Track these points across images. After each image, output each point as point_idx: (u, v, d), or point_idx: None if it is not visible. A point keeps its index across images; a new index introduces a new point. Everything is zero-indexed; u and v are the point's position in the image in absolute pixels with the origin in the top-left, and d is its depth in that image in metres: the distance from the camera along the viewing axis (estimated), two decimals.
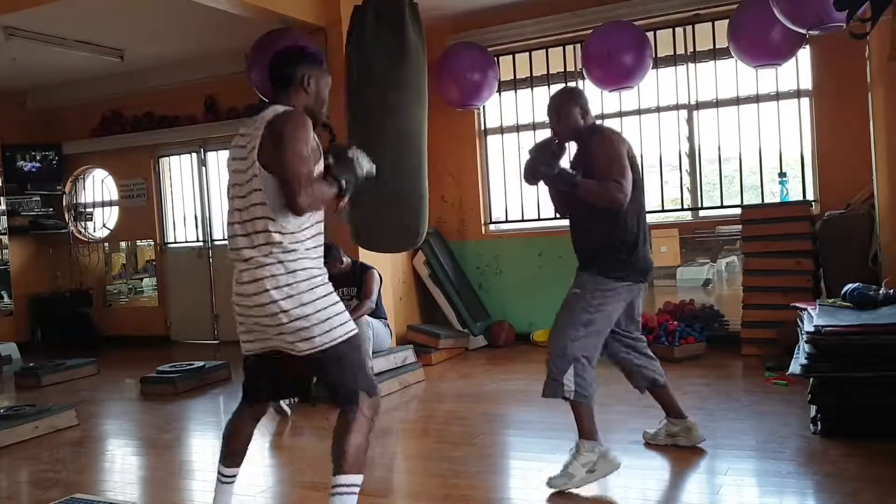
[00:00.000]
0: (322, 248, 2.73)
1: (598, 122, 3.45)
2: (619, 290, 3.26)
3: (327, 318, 2.59)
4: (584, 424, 3.24)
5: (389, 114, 3.47)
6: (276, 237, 2.54)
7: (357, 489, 2.59)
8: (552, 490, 3.14)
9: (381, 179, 3.00)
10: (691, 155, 6.39)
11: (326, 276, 2.70)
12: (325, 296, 2.62)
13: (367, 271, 5.16)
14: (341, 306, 2.68)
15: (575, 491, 3.19)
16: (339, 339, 2.60)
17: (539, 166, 3.21)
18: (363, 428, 2.64)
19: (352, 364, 2.66)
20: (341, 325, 2.62)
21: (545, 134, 6.97)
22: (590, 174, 3.19)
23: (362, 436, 2.62)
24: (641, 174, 3.33)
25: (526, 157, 3.30)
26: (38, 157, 8.61)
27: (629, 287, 3.29)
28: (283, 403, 4.58)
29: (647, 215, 6.48)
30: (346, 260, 5.19)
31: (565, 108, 3.33)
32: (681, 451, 3.60)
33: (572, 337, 3.20)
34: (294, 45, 3.11)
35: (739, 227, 5.81)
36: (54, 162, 8.69)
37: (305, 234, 2.62)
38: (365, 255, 5.41)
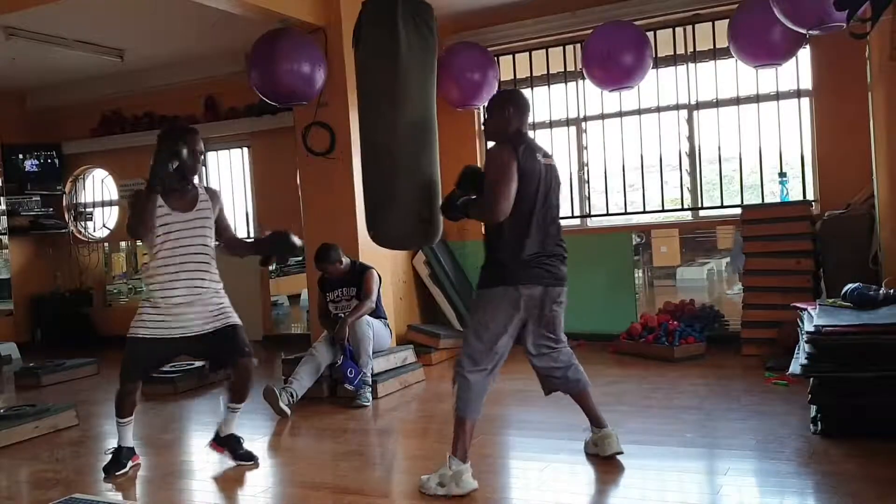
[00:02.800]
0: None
1: (523, 132, 3.41)
2: (495, 295, 3.27)
3: None
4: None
5: (394, 114, 3.48)
6: None
7: None
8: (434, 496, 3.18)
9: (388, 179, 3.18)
10: (691, 155, 6.39)
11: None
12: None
13: (367, 271, 5.16)
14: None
15: (573, 490, 3.20)
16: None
17: (450, 214, 3.49)
18: None
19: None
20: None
21: (545, 133, 7.01)
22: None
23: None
24: (540, 186, 3.27)
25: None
26: (38, 157, 8.61)
27: (504, 291, 3.25)
28: (283, 404, 4.58)
29: (647, 215, 6.47)
30: (346, 261, 5.19)
31: (499, 108, 3.43)
32: (681, 451, 3.60)
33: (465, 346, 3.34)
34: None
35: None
36: (54, 162, 8.69)
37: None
38: (365, 255, 5.42)
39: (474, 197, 3.39)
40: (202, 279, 3.65)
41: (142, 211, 3.46)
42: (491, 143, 3.54)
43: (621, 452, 3.49)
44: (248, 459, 3.81)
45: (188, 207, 3.65)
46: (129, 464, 3.80)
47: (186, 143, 3.58)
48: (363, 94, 3.59)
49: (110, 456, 3.80)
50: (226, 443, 3.86)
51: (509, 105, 3.40)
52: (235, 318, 3.76)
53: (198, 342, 3.69)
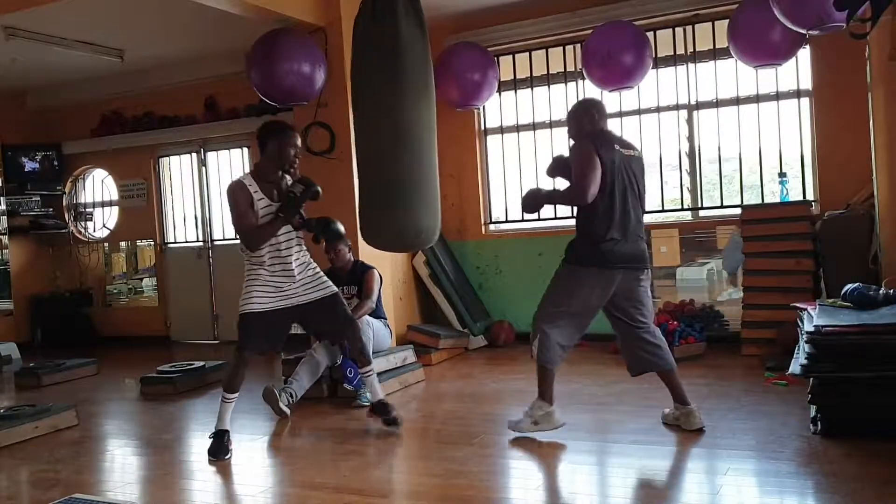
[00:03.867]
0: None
1: (603, 129, 3.88)
2: (585, 274, 3.74)
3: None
4: (540, 386, 3.84)
5: (385, 112, 3.46)
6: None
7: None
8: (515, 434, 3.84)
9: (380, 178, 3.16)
10: (691, 155, 6.39)
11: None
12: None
13: (368, 271, 5.17)
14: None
15: (573, 490, 3.20)
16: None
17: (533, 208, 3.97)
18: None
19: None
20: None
21: (545, 134, 7.02)
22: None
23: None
24: (616, 177, 3.69)
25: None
26: (38, 157, 8.61)
27: (597, 272, 3.71)
28: (283, 405, 4.58)
29: (647, 215, 6.57)
30: (349, 257, 5.21)
31: (575, 113, 3.93)
32: (681, 450, 3.60)
33: (543, 313, 3.85)
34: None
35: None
36: (54, 162, 8.69)
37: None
38: (365, 255, 5.41)
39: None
40: (298, 255, 4.10)
41: (270, 234, 3.93)
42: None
43: (703, 428, 3.77)
44: (394, 424, 4.17)
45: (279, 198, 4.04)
46: (232, 447, 3.99)
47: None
48: (360, 94, 3.59)
49: (212, 440, 3.98)
50: (376, 409, 4.24)
51: (590, 109, 3.89)
52: (333, 287, 4.20)
53: (303, 312, 4.10)
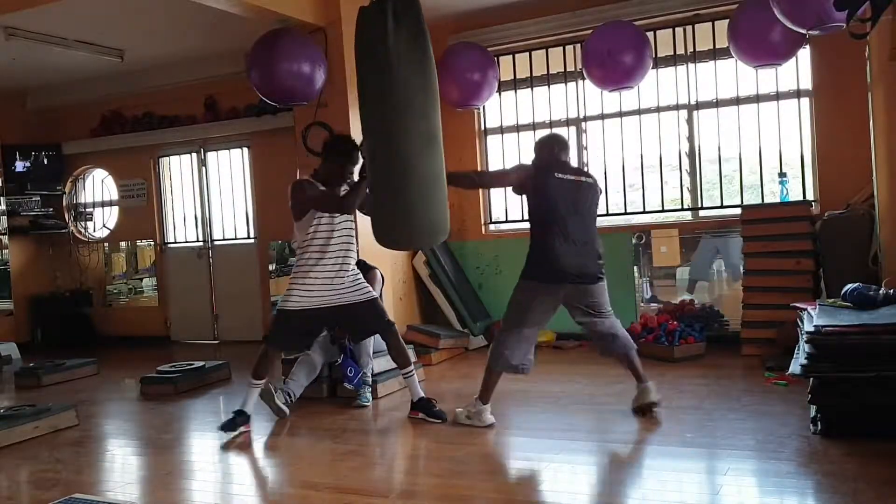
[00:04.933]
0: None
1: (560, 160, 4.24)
2: (532, 287, 4.10)
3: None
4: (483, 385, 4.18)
5: (385, 126, 3.48)
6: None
7: None
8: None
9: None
10: (691, 155, 6.39)
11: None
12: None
13: (371, 271, 5.16)
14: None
15: (574, 490, 3.19)
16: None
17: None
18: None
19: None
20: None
21: (544, 134, 7.02)
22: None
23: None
24: (558, 200, 4.07)
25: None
26: (38, 157, 8.61)
27: (537, 285, 4.08)
28: (280, 403, 4.58)
29: (647, 215, 6.54)
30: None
31: (537, 147, 4.32)
32: (681, 451, 3.60)
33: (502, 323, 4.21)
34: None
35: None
36: (54, 162, 8.69)
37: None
38: (365, 255, 5.41)
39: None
40: (350, 257, 4.39)
41: (359, 195, 4.12)
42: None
43: (656, 403, 4.10)
44: (440, 418, 4.30)
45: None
46: (241, 429, 4.24)
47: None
48: (363, 98, 3.58)
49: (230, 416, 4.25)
50: (418, 406, 4.39)
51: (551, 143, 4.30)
52: (373, 293, 4.45)
53: (342, 313, 4.31)
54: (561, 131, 6.84)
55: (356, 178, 4.28)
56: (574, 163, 4.45)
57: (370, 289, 4.42)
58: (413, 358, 5.57)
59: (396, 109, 3.48)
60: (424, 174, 3.56)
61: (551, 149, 4.28)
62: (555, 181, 4.08)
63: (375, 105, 3.52)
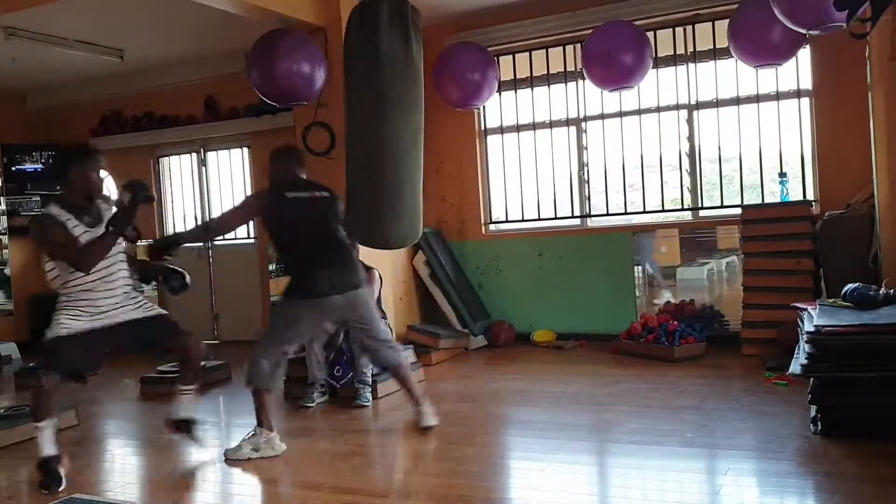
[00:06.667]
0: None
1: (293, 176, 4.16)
2: (290, 305, 4.05)
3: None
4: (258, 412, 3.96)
5: (366, 125, 3.57)
6: None
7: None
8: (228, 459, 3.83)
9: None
10: (691, 155, 6.39)
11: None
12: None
13: (368, 272, 5.15)
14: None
15: (574, 490, 3.20)
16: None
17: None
18: None
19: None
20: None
21: (545, 133, 7.01)
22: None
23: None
24: (295, 218, 4.01)
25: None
26: (38, 157, 8.60)
27: (299, 303, 4.02)
28: (319, 400, 4.83)
29: (647, 215, 6.59)
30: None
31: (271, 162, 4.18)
32: (681, 451, 3.60)
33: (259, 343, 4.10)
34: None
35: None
36: (54, 162, 8.69)
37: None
38: (364, 255, 5.41)
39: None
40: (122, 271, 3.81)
41: (104, 249, 3.63)
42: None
43: (430, 427, 4.08)
44: (195, 438, 3.96)
45: (97, 223, 3.73)
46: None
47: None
48: (347, 104, 3.63)
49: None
50: (178, 425, 3.98)
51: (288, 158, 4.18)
52: (158, 309, 3.95)
53: (122, 330, 3.78)
54: (561, 131, 6.87)
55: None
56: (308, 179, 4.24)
57: (154, 307, 3.91)
58: (413, 358, 5.59)
59: (348, 115, 3.59)
60: (369, 184, 3.77)
61: (287, 163, 4.16)
62: (288, 201, 4.01)
63: (362, 104, 3.61)
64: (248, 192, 8.05)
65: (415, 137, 3.69)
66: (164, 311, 3.94)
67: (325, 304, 4.02)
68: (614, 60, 5.80)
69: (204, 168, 8.38)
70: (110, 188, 8.87)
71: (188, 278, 3.98)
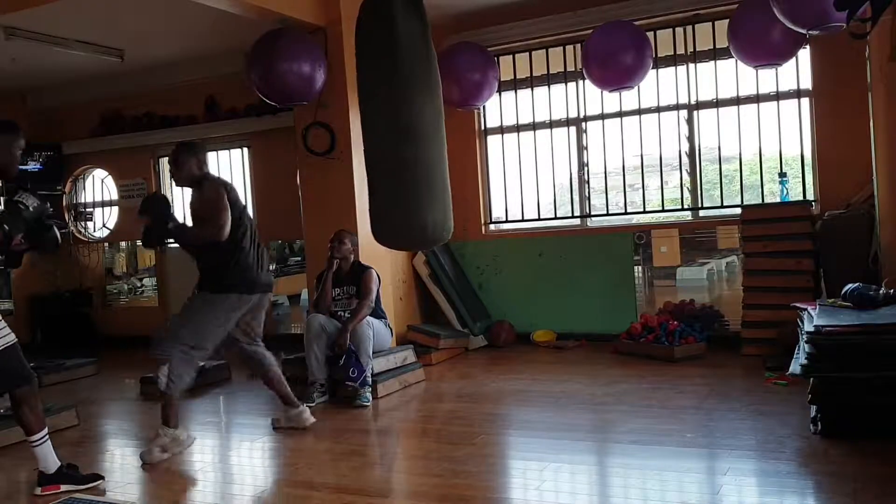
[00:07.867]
0: None
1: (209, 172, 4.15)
2: (224, 300, 3.99)
3: None
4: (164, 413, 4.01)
5: (386, 110, 3.46)
6: None
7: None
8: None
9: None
10: (691, 155, 6.39)
11: None
12: None
13: (366, 271, 5.17)
14: None
15: (573, 490, 3.20)
16: None
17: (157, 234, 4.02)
18: None
19: None
20: None
21: (545, 133, 7.01)
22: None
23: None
24: (244, 214, 4.09)
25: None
26: (38, 157, 8.60)
27: (238, 298, 4.01)
28: (318, 399, 4.79)
29: (647, 215, 6.59)
30: (352, 258, 5.21)
31: (182, 158, 4.04)
32: (681, 451, 3.60)
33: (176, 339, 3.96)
34: None
35: None
36: (54, 162, 8.69)
37: None
38: (365, 255, 5.41)
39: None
40: None
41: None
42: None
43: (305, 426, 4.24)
44: (86, 482, 3.59)
45: None
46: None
47: None
48: (362, 94, 3.58)
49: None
50: (56, 478, 3.56)
51: (195, 154, 4.08)
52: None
53: None
54: (561, 131, 6.87)
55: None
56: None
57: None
58: (413, 358, 5.60)
59: (364, 105, 3.50)
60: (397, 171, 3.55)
61: (202, 162, 4.13)
62: (237, 194, 4.12)
63: (376, 95, 3.54)
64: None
65: (437, 121, 3.63)
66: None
67: (262, 300, 4.15)
68: (614, 60, 5.81)
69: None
70: (111, 189, 8.91)
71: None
